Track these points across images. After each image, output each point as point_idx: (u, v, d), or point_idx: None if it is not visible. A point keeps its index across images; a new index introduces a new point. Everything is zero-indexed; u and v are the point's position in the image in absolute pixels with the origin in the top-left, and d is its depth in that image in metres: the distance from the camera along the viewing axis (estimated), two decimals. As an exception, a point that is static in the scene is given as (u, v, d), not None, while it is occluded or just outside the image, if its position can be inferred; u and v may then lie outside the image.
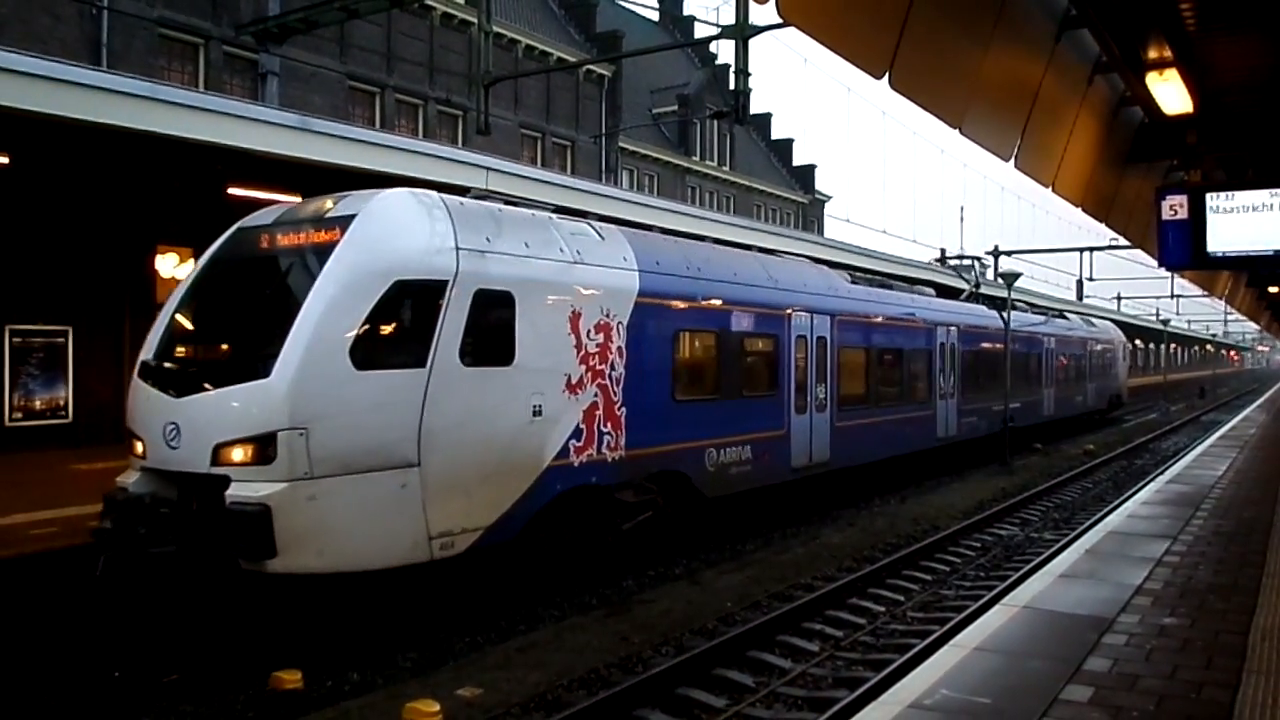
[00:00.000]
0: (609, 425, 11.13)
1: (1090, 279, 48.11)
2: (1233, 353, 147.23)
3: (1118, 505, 13.92)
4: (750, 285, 14.32)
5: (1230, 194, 9.42)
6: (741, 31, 13.88)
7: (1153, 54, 8.09)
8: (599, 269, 11.14)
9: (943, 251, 33.88)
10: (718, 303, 13.46)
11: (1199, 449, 20.00)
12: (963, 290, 27.17)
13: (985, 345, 24.27)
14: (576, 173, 32.36)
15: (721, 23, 14.50)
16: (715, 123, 43.41)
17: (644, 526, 11.90)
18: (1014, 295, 31.07)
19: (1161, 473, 17.19)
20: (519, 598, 10.74)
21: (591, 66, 36.13)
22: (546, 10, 38.54)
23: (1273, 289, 25.28)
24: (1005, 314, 24.91)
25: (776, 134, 55.11)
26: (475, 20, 26.39)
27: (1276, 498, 12.30)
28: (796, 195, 52.92)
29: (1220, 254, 9.57)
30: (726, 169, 46.30)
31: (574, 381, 10.55)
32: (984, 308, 25.43)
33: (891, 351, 19.13)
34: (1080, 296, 50.74)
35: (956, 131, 8.17)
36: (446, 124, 30.87)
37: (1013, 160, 9.42)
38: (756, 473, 14.18)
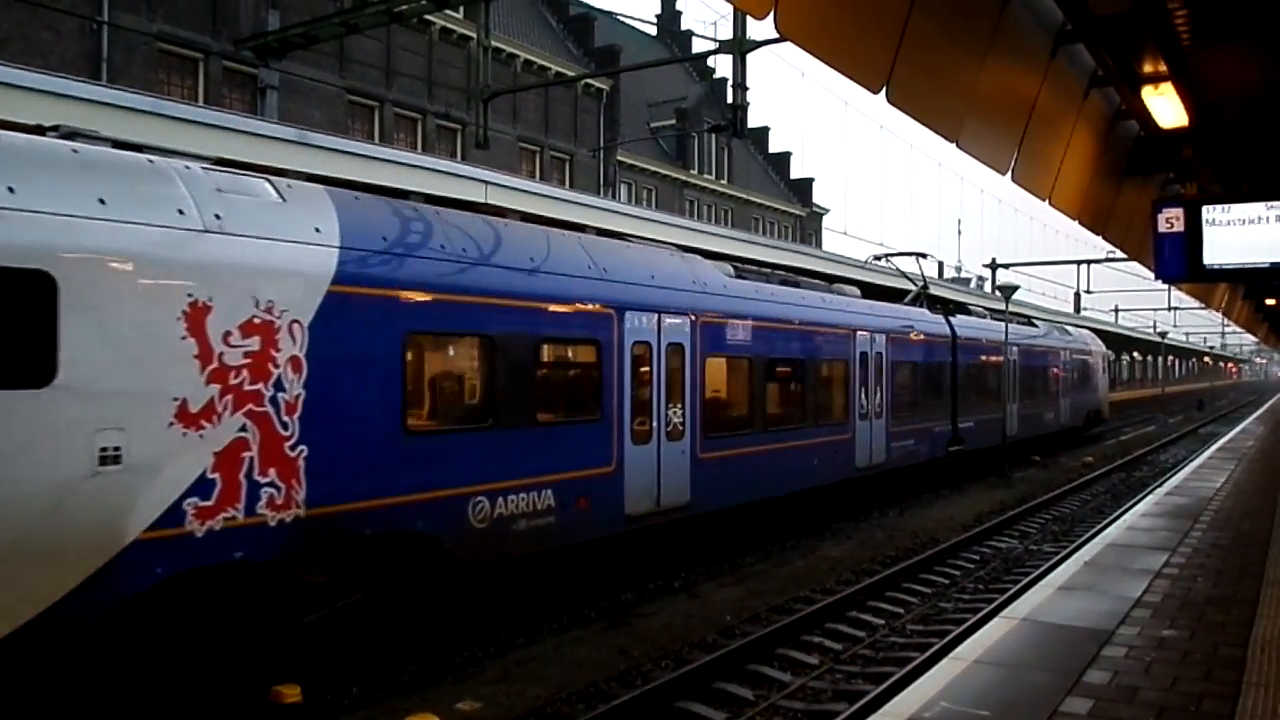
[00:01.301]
0: (272, 473, 7.64)
1: (1088, 291, 48.27)
2: (1231, 365, 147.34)
3: (1117, 517, 13.91)
4: (556, 275, 10.80)
5: (1226, 207, 9.48)
6: (739, 46, 13.95)
7: (1148, 68, 8.15)
8: (255, 242, 7.69)
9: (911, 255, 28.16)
10: (495, 298, 9.91)
11: (1197, 461, 20.00)
12: (908, 291, 23.84)
13: (927, 356, 20.79)
14: (575, 186, 32.43)
15: (719, 37, 14.54)
16: (713, 136, 43.55)
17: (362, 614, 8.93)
18: (969, 299, 29.72)
19: (1160, 485, 17.20)
20: (518, 611, 10.73)
21: (590, 81, 36.25)
22: (545, 25, 38.71)
23: (1270, 301, 25.35)
24: (953, 319, 22.76)
25: (774, 147, 55.25)
26: (474, 35, 26.50)
27: (1274, 510, 12.31)
28: (794, 208, 53.04)
29: (1217, 266, 9.62)
30: (724, 182, 46.41)
31: (193, 409, 7.10)
32: (928, 312, 21.91)
33: (789, 363, 15.52)
34: (1078, 309, 50.85)
35: (954, 145, 8.22)
36: (445, 138, 30.96)
37: (1010, 173, 9.47)
38: (566, 526, 10.60)
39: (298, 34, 15.79)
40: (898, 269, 25.72)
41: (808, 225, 54.05)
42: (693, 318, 12.74)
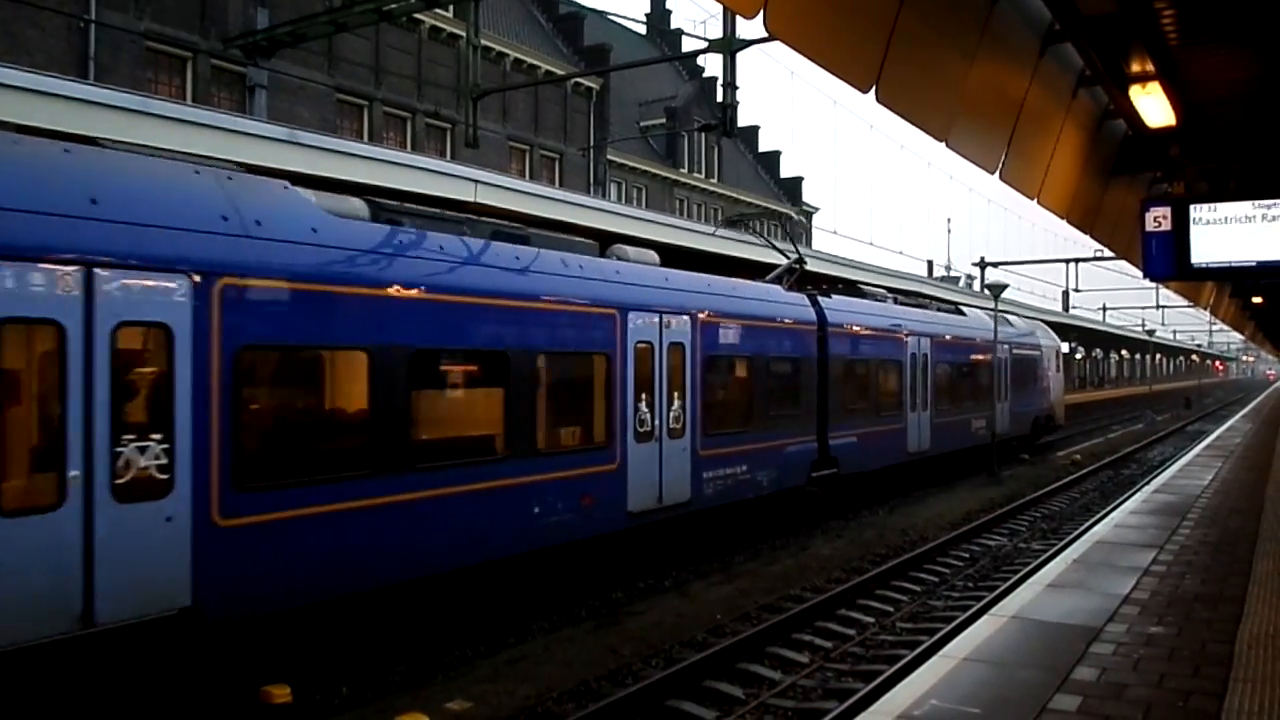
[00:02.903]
0: None
1: (1077, 290, 48.47)
2: (1218, 363, 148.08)
3: (1105, 515, 13.98)
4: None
5: (1213, 206, 9.51)
6: (729, 45, 13.95)
7: (1135, 67, 8.17)
8: None
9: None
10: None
11: (1185, 459, 20.10)
12: (775, 266, 18.31)
13: (764, 347, 15.15)
14: (565, 185, 32.40)
15: (709, 37, 14.54)
16: (703, 135, 43.55)
17: None
18: (866, 278, 24.07)
19: (1148, 482, 17.28)
20: (508, 610, 10.72)
21: (579, 80, 36.20)
22: (534, 24, 38.64)
23: (1256, 300, 25.44)
24: (825, 301, 17.58)
25: (764, 146, 55.28)
26: (464, 34, 26.43)
27: (1261, 507, 12.38)
28: (784, 207, 53.09)
29: (1204, 265, 9.66)
30: (714, 181, 46.41)
31: None
32: (780, 290, 16.41)
33: (466, 355, 9.95)
34: (1066, 307, 51.06)
35: (943, 144, 8.24)
36: (435, 137, 30.89)
37: (998, 173, 9.50)
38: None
39: (286, 32, 15.72)
40: (766, 240, 20.06)
41: (797, 224, 54.08)
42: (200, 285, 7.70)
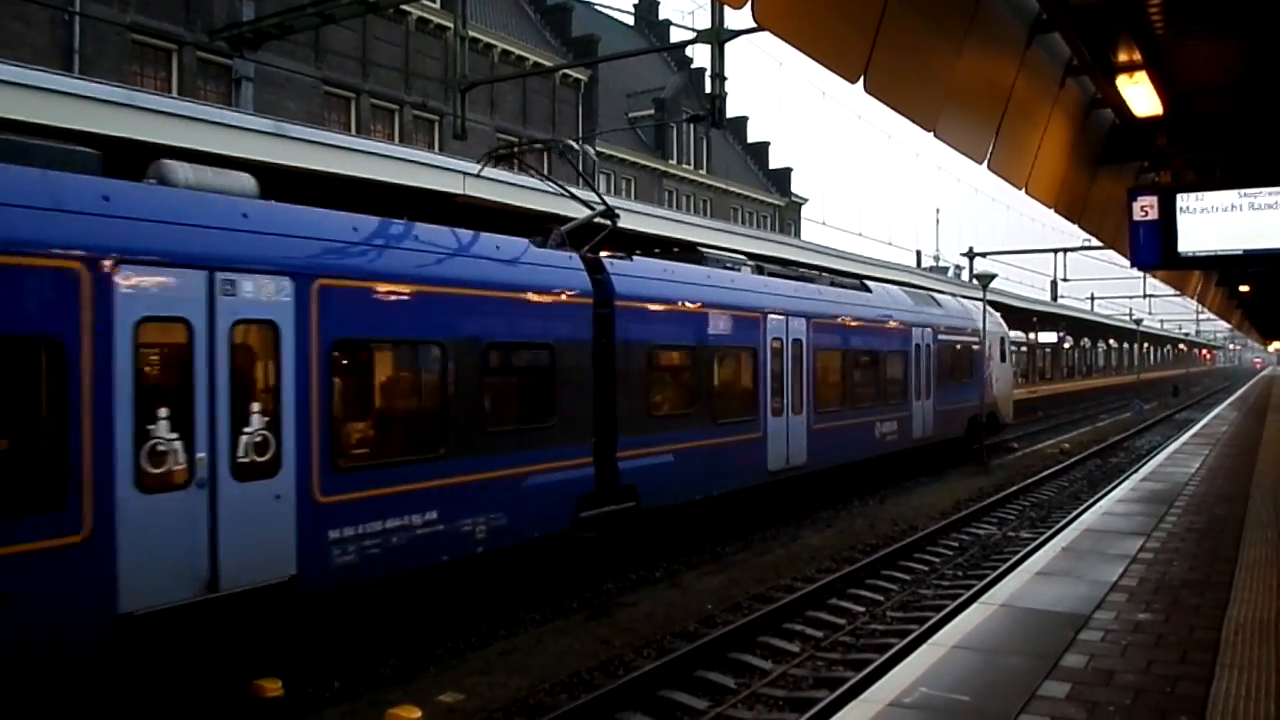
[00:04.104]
0: None
1: (1065, 279, 48.70)
2: (1205, 351, 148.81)
3: (1093, 503, 14.05)
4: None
5: (1200, 195, 9.55)
6: (717, 36, 13.92)
7: (1123, 57, 8.20)
8: None
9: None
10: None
11: (1172, 447, 20.21)
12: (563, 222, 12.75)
13: (495, 334, 10.48)
14: (553, 177, 32.32)
15: (697, 27, 14.55)
16: (692, 126, 43.52)
17: None
18: (724, 244, 18.97)
19: (1136, 471, 17.39)
20: (500, 602, 10.73)
21: (568, 71, 36.12)
22: (522, 15, 38.52)
23: (1243, 288, 25.56)
24: (618, 266, 12.53)
25: (753, 137, 55.29)
26: (451, 25, 26.35)
27: (1248, 494, 12.47)
28: (773, 198, 53.12)
29: (1190, 254, 9.70)
30: (703, 172, 46.40)
31: None
32: (549, 253, 11.56)
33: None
34: (1055, 297, 51.24)
35: (931, 134, 8.25)
36: (423, 129, 30.79)
37: (986, 162, 9.52)
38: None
39: (273, 24, 15.64)
40: (557, 184, 13.74)
41: (786, 215, 54.14)
42: None
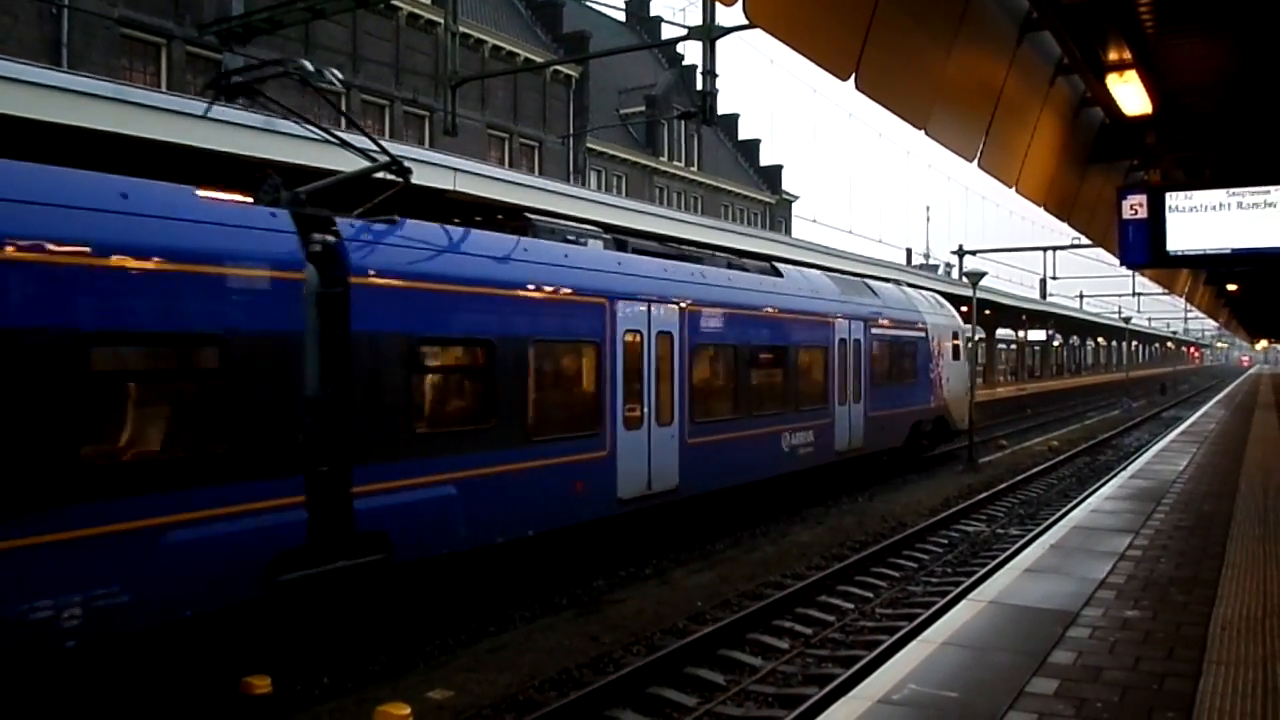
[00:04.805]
0: None
1: (1054, 277, 48.87)
2: (1193, 349, 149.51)
3: (1081, 500, 14.10)
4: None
5: (1189, 194, 9.60)
6: (708, 33, 13.90)
7: (1112, 55, 8.23)
8: None
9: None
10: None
11: (1160, 445, 20.28)
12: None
13: (160, 329, 7.57)
14: (544, 174, 32.31)
15: (688, 24, 14.48)
16: (683, 123, 43.50)
17: None
18: (582, 212, 15.81)
19: (1124, 468, 17.45)
20: (489, 599, 10.72)
21: (559, 67, 36.09)
22: (513, 10, 38.44)
23: (1231, 287, 25.70)
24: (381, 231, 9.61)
25: (744, 134, 55.31)
26: (442, 20, 26.30)
27: (1235, 492, 12.52)
28: (764, 195, 53.15)
29: (1179, 253, 9.75)
30: (694, 169, 46.40)
31: None
32: (257, 212, 8.59)
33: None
34: (1044, 295, 51.41)
35: (921, 133, 8.26)
36: (413, 124, 30.71)
37: (977, 161, 9.54)
38: None
39: (262, 19, 15.54)
40: (323, 128, 10.69)
41: (777, 212, 54.20)
42: None
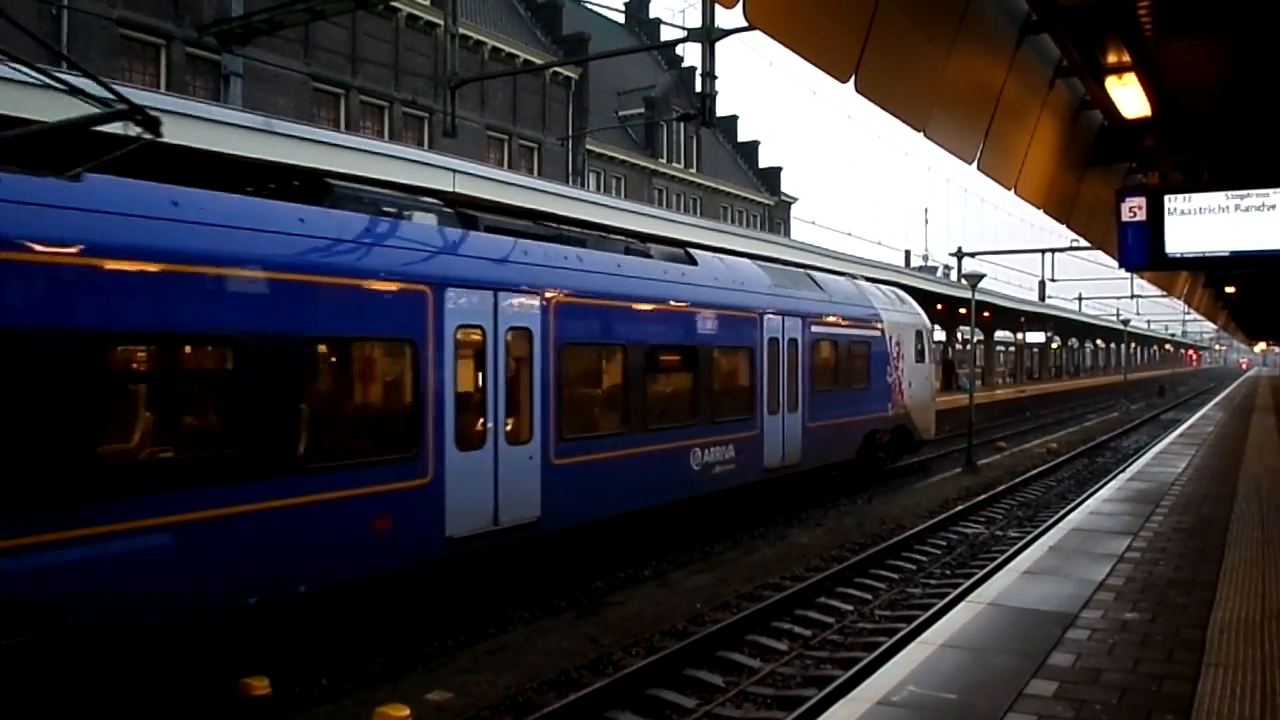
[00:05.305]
0: None
1: (1053, 280, 48.90)
2: (1191, 352, 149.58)
3: (1080, 502, 14.10)
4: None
5: (1188, 196, 9.60)
6: (708, 34, 13.92)
7: (1112, 58, 8.25)
8: None
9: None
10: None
11: (1159, 447, 20.29)
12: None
13: None
14: (543, 175, 32.32)
15: (688, 26, 14.48)
16: (682, 125, 43.52)
17: None
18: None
19: (1123, 470, 17.45)
20: (488, 601, 10.72)
21: (558, 69, 36.09)
22: (512, 12, 38.46)
23: (1229, 289, 25.68)
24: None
25: (743, 136, 55.34)
26: (441, 22, 26.29)
27: (1234, 495, 12.53)
28: (763, 197, 53.17)
29: (1178, 255, 9.75)
30: (693, 171, 46.41)
31: None
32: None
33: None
34: (1043, 297, 51.44)
35: (921, 135, 8.27)
36: (412, 126, 30.72)
37: (975, 163, 9.55)
38: None
39: (262, 20, 15.56)
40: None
41: (776, 214, 54.22)
42: None
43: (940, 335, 57.84)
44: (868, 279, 22.25)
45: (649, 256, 13.74)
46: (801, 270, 18.69)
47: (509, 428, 10.57)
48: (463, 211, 11.11)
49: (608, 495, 11.97)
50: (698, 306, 13.96)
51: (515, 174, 18.57)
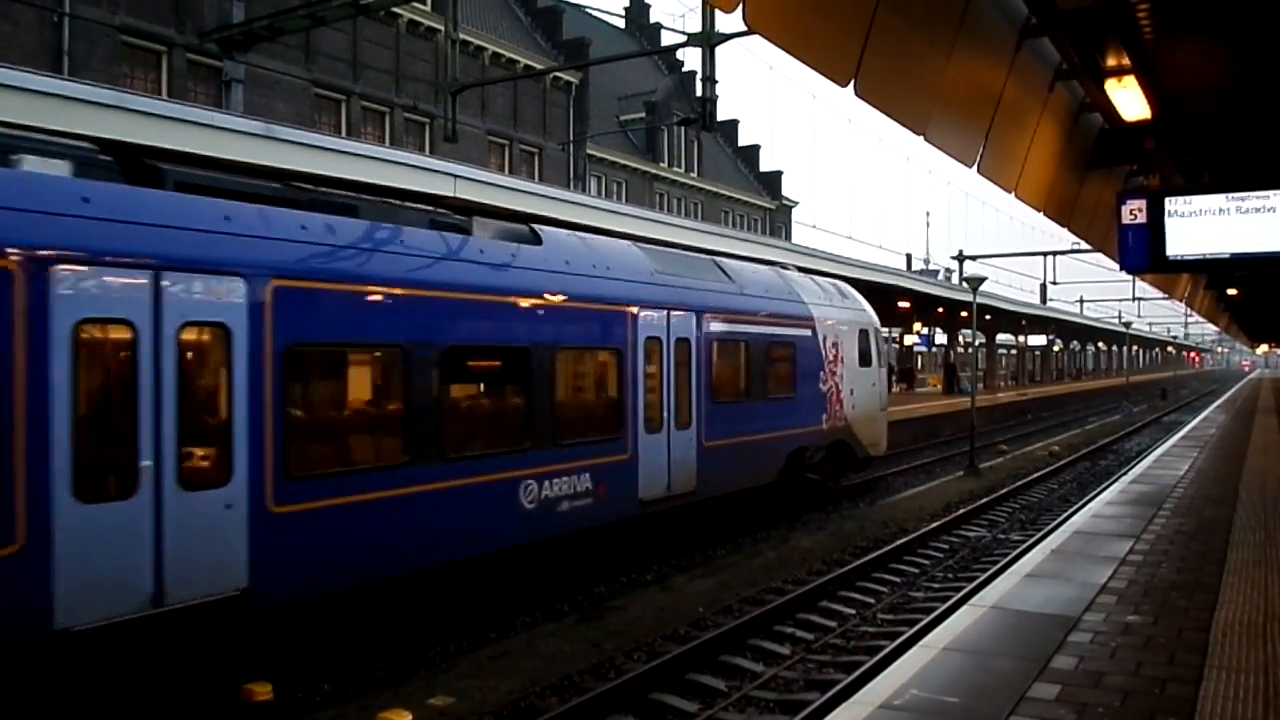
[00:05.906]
0: None
1: (1054, 282, 48.92)
2: (1193, 354, 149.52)
3: (1082, 505, 14.09)
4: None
5: (1188, 198, 9.60)
6: (708, 39, 13.96)
7: (1111, 61, 8.26)
8: None
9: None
10: None
11: (1161, 449, 20.27)
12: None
13: None
14: (544, 180, 32.36)
15: (688, 30, 14.52)
16: (683, 129, 43.56)
17: None
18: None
19: (1125, 473, 17.42)
20: (491, 605, 10.72)
21: (559, 74, 36.13)
22: (513, 17, 38.53)
23: (1231, 291, 25.68)
24: None
25: (743, 140, 55.39)
26: (442, 28, 26.33)
27: (1236, 496, 12.52)
28: (763, 201, 53.19)
29: (1179, 257, 9.75)
30: (694, 175, 46.45)
31: None
32: None
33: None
34: (1044, 300, 51.44)
35: (921, 138, 8.28)
36: (413, 131, 30.77)
37: (976, 166, 9.56)
38: None
39: (263, 26, 15.62)
40: None
41: (776, 218, 54.25)
42: None
43: (941, 339, 57.78)
44: (845, 278, 20.74)
45: (467, 232, 10.54)
46: (706, 257, 15.57)
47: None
48: (159, 164, 8.06)
49: (371, 554, 8.80)
50: (534, 298, 10.84)
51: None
